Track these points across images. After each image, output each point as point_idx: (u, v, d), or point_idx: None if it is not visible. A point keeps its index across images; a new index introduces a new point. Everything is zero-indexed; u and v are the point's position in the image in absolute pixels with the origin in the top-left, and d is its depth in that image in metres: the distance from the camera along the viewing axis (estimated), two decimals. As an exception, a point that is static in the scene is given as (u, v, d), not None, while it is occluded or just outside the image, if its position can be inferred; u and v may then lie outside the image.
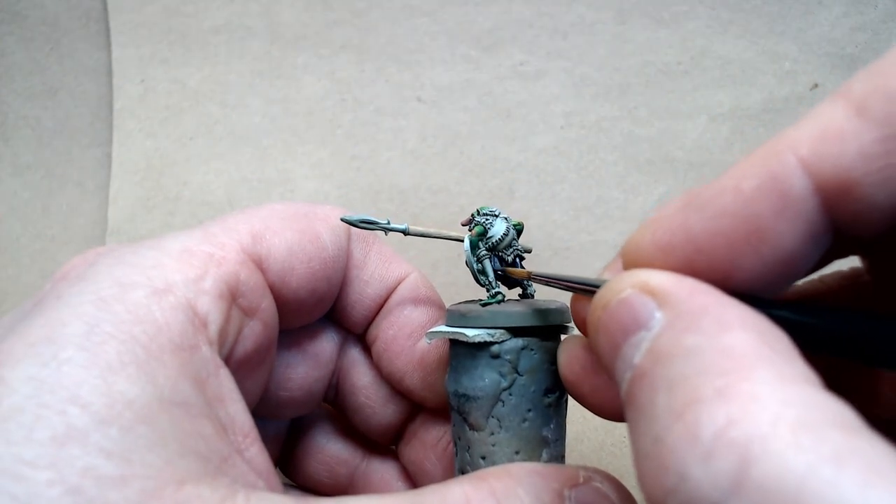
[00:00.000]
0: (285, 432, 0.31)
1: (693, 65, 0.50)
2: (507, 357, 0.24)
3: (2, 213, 0.52)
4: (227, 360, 0.22)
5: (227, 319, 0.21)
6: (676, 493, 0.13)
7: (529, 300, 0.27)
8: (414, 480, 0.30)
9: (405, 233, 0.26)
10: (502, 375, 0.24)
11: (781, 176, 0.16)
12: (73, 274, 0.21)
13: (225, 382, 0.20)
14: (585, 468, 0.22)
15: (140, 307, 0.19)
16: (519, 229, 0.27)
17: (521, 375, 0.24)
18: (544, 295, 0.28)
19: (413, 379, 0.28)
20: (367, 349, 0.30)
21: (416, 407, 0.30)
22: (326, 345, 0.29)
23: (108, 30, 0.49)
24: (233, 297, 0.22)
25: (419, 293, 0.28)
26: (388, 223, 0.26)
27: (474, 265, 0.26)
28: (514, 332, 0.24)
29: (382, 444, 0.31)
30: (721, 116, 0.50)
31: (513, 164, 0.50)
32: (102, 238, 0.50)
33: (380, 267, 0.28)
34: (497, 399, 0.24)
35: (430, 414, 0.29)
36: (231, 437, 0.20)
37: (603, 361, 0.18)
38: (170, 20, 0.48)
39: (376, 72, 0.49)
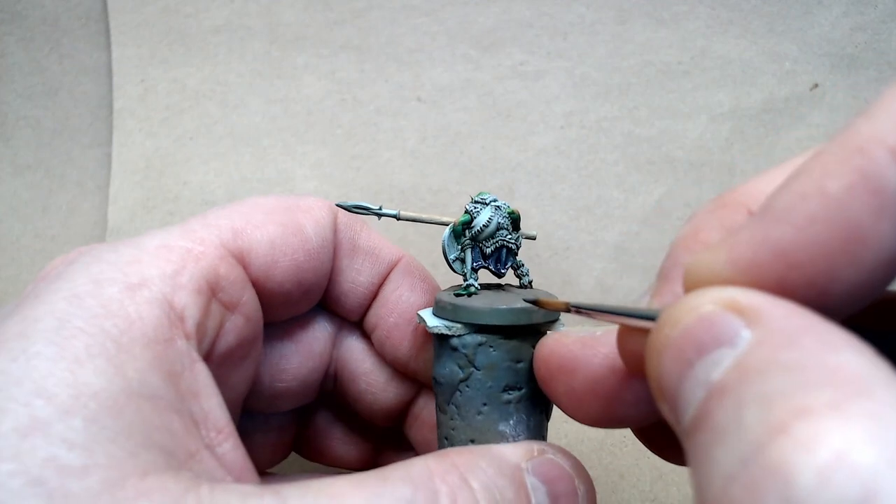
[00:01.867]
0: (293, 422, 0.31)
1: (693, 65, 0.50)
2: (464, 351, 0.24)
3: (2, 213, 0.52)
4: (209, 354, 0.22)
5: (205, 314, 0.21)
6: None
7: (503, 293, 0.26)
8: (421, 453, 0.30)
9: (397, 217, 0.27)
10: (460, 367, 0.24)
11: (873, 172, 0.14)
12: (53, 273, 0.21)
13: (200, 377, 0.20)
14: (539, 443, 0.23)
15: (113, 302, 0.19)
16: (514, 218, 0.27)
17: (478, 370, 0.24)
18: (542, 286, 0.28)
19: (418, 362, 0.28)
20: (363, 335, 0.30)
21: (417, 389, 0.30)
22: (320, 334, 0.29)
23: (108, 30, 0.49)
24: (212, 292, 0.22)
25: (413, 277, 0.29)
26: (381, 208, 0.26)
27: (451, 253, 0.26)
28: (476, 327, 0.24)
29: (387, 426, 0.31)
30: (721, 116, 0.50)
31: (513, 164, 0.50)
32: (102, 238, 0.50)
33: (370, 254, 0.28)
34: (455, 389, 0.25)
35: (432, 394, 0.30)
36: (203, 433, 0.20)
37: (662, 387, 0.16)
38: (170, 20, 0.48)
39: (376, 72, 0.49)
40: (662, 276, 0.21)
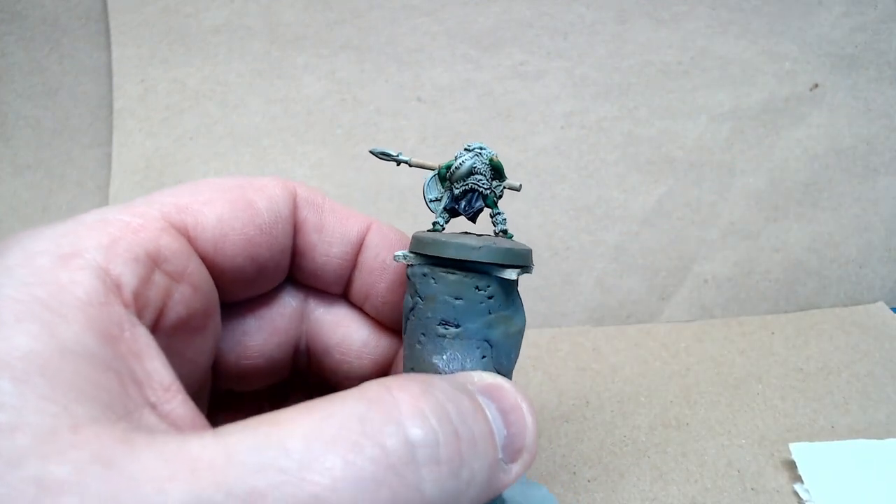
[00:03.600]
0: (266, 402, 0.31)
1: (693, 65, 0.50)
2: (413, 280, 0.25)
3: (2, 213, 0.52)
4: (157, 324, 0.22)
5: (144, 282, 0.21)
6: None
7: (465, 236, 0.26)
8: None
9: (409, 163, 0.29)
10: (410, 296, 0.26)
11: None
12: None
13: (141, 339, 0.20)
14: (479, 372, 0.24)
15: (44, 270, 0.19)
16: (494, 165, 0.27)
17: (421, 300, 0.25)
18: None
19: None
20: (331, 307, 0.30)
21: (393, 351, 0.30)
22: (284, 310, 0.29)
23: (108, 30, 0.49)
24: (154, 263, 0.22)
25: (390, 239, 0.29)
26: (400, 154, 0.29)
27: (430, 194, 0.28)
28: (423, 259, 0.25)
29: None
30: (721, 116, 0.50)
31: (513, 164, 0.50)
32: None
33: (338, 225, 0.28)
34: (406, 317, 0.26)
35: None
36: (148, 392, 0.20)
37: None
38: (170, 20, 0.48)
39: (376, 72, 0.49)
40: None
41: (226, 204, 0.25)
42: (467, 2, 0.48)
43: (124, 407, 0.18)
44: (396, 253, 0.26)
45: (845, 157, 0.51)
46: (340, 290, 0.29)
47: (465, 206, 0.28)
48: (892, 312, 0.50)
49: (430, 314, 0.25)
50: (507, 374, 0.26)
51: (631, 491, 0.34)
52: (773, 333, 0.48)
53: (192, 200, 0.24)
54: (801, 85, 0.50)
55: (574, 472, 0.36)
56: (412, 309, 0.25)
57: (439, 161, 0.29)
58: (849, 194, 0.51)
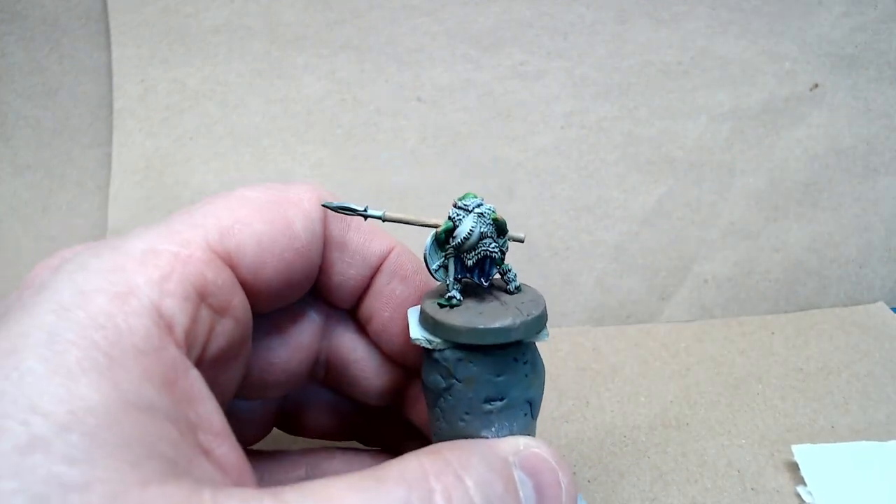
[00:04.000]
0: (276, 402, 0.31)
1: (693, 65, 0.50)
2: (445, 364, 0.24)
3: (2, 213, 0.52)
4: (200, 359, 0.22)
5: (194, 320, 0.21)
6: None
7: (487, 304, 0.25)
8: (423, 431, 0.31)
9: (382, 219, 0.26)
10: (442, 377, 0.25)
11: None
12: (37, 282, 0.21)
13: (195, 383, 0.20)
14: (525, 438, 0.24)
15: (101, 313, 0.19)
16: (499, 225, 0.25)
17: (459, 382, 0.24)
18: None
19: (414, 355, 0.28)
20: (353, 323, 0.30)
21: (410, 372, 0.30)
22: (308, 326, 0.29)
23: (108, 30, 0.49)
24: (200, 298, 0.22)
25: (406, 269, 0.29)
26: (366, 209, 0.26)
27: (433, 262, 0.26)
28: (455, 343, 0.24)
29: (383, 406, 0.31)
30: (721, 116, 0.50)
31: (513, 164, 0.50)
32: (102, 238, 0.50)
33: (361, 246, 0.28)
34: (440, 396, 0.25)
35: None
36: (201, 437, 0.20)
37: None
38: (170, 20, 0.48)
39: (376, 72, 0.49)
40: None
41: (265, 225, 0.25)
42: (467, 2, 0.48)
43: (185, 457, 0.19)
44: (414, 335, 0.25)
45: (845, 157, 0.51)
46: (349, 307, 0.29)
47: (479, 276, 0.26)
48: (892, 312, 0.50)
49: (471, 394, 0.24)
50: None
51: (631, 491, 0.34)
52: (773, 333, 0.48)
53: (234, 221, 0.24)
54: (801, 85, 0.50)
55: (574, 473, 0.36)
56: (447, 389, 0.24)
57: (417, 214, 0.26)
58: (849, 194, 0.51)
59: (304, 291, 0.28)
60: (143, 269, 0.21)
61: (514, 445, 0.23)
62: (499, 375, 0.24)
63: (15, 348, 0.18)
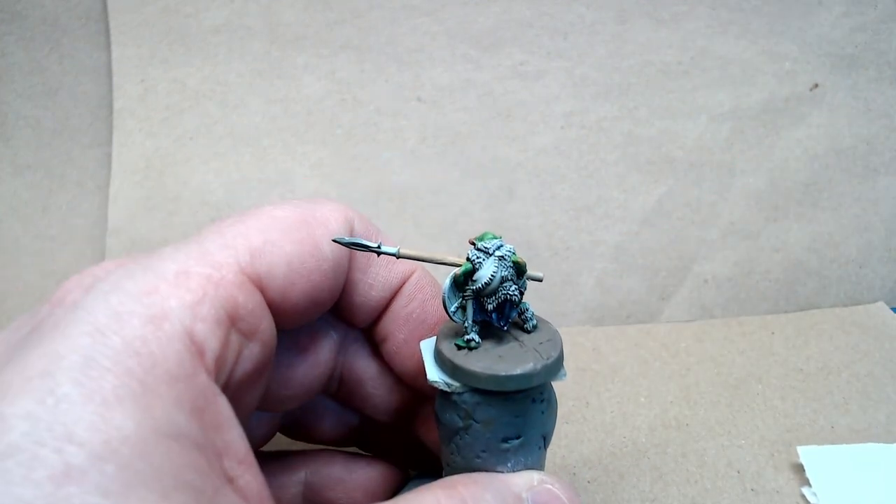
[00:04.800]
0: (281, 415, 0.31)
1: (693, 65, 0.50)
2: (464, 406, 0.24)
3: (2, 213, 0.52)
4: (227, 383, 0.22)
5: (224, 345, 0.21)
6: None
7: (506, 347, 0.25)
8: (433, 451, 0.31)
9: (396, 256, 0.25)
10: (460, 418, 0.25)
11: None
12: (70, 299, 0.21)
13: (223, 410, 0.20)
14: (539, 473, 0.25)
15: (136, 338, 0.19)
16: (519, 268, 0.25)
17: (477, 423, 0.24)
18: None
19: (425, 380, 0.28)
20: (370, 341, 0.30)
21: (422, 392, 0.30)
22: (326, 342, 0.29)
23: (108, 30, 0.49)
24: (231, 322, 0.22)
25: (426, 293, 0.29)
26: (380, 246, 0.25)
27: (451, 304, 0.25)
28: (474, 388, 0.24)
29: (393, 424, 0.31)
30: (721, 116, 0.50)
31: (513, 164, 0.50)
32: (102, 238, 0.50)
33: (383, 269, 0.28)
34: (455, 433, 0.25)
35: None
36: (227, 464, 0.20)
37: None
38: (170, 20, 0.48)
39: (376, 72, 0.49)
40: None
41: (294, 246, 0.24)
42: (467, 2, 0.48)
43: (213, 486, 0.19)
44: (431, 377, 0.24)
45: (845, 157, 0.51)
46: (364, 326, 0.29)
47: (499, 320, 0.25)
48: (892, 312, 0.50)
49: (489, 435, 0.24)
50: None
51: (631, 492, 0.34)
52: (773, 333, 0.48)
53: (264, 242, 0.24)
54: (801, 85, 0.50)
55: (574, 474, 0.36)
56: (465, 429, 0.24)
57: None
58: (849, 194, 0.51)
59: (325, 310, 0.28)
60: (176, 291, 0.21)
61: (528, 481, 0.24)
62: (517, 416, 0.24)
63: (50, 370, 0.18)
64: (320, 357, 0.29)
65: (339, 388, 0.30)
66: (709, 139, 0.50)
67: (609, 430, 0.39)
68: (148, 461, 0.17)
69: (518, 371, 0.23)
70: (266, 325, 0.24)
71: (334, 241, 0.26)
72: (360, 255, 0.27)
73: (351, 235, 0.26)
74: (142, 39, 0.49)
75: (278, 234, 0.24)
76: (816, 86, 0.50)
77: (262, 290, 0.24)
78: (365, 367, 0.30)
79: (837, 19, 0.49)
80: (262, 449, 0.32)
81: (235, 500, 0.19)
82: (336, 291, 0.27)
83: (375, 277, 0.28)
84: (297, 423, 0.32)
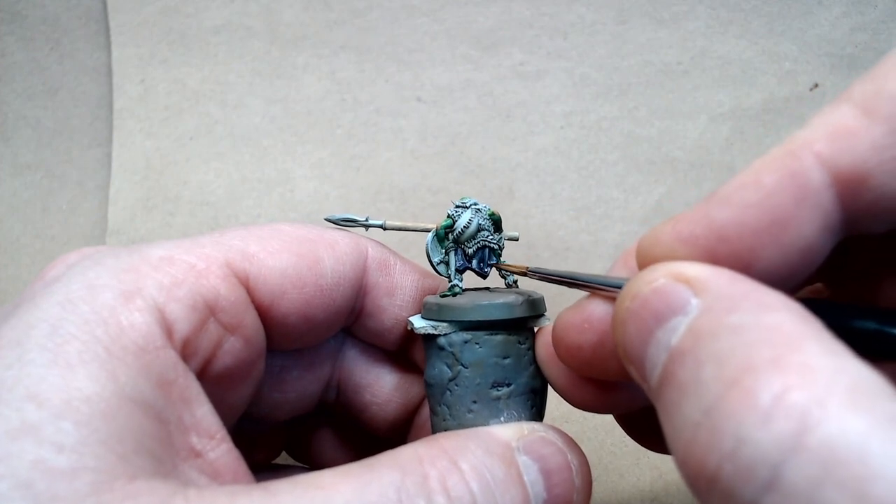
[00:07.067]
0: (285, 425, 0.31)
1: (693, 65, 0.50)
2: (451, 349, 0.25)
3: (2, 213, 0.52)
4: (203, 371, 0.22)
5: (197, 330, 0.21)
6: (735, 457, 0.14)
7: (487, 293, 0.27)
8: None
9: (383, 227, 0.27)
10: (448, 366, 0.25)
11: (800, 170, 0.17)
12: (51, 275, 0.21)
13: (191, 386, 0.21)
14: (530, 423, 0.24)
15: (105, 308, 0.19)
16: (495, 219, 0.27)
17: (466, 368, 0.25)
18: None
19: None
20: (367, 348, 0.30)
21: (420, 398, 0.30)
22: (324, 350, 0.29)
23: (108, 30, 0.49)
24: (210, 311, 0.22)
25: None
26: (367, 220, 0.27)
27: (434, 257, 0.27)
28: (461, 325, 0.25)
29: (390, 437, 0.31)
30: (721, 116, 0.50)
31: (513, 164, 0.50)
32: (102, 238, 0.50)
33: (410, 291, 0.28)
34: (445, 388, 0.25)
35: None
36: (194, 439, 0.20)
37: (629, 352, 0.18)
38: (170, 20, 0.48)
39: (376, 72, 0.49)
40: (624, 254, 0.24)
41: (292, 258, 0.25)
42: (467, 2, 0.48)
43: (176, 455, 0.19)
44: (418, 325, 0.25)
45: (845, 157, 0.51)
46: (396, 348, 0.29)
47: (479, 265, 0.28)
48: (891, 312, 0.50)
49: (479, 380, 0.25)
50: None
51: (631, 491, 0.34)
52: (773, 333, 0.48)
53: (260, 249, 0.24)
54: (801, 85, 0.50)
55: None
56: (454, 379, 0.25)
57: (417, 220, 0.28)
58: (849, 194, 0.51)
59: (326, 336, 0.27)
60: (155, 273, 0.21)
61: (517, 430, 0.23)
62: (505, 357, 0.25)
63: (19, 339, 0.18)
64: (316, 364, 0.29)
65: (337, 397, 0.30)
66: (709, 139, 0.50)
67: (609, 429, 0.39)
68: (108, 422, 0.17)
69: (501, 300, 0.25)
70: (250, 322, 0.24)
71: (326, 219, 0.26)
72: (382, 282, 0.27)
73: (364, 264, 0.27)
74: (142, 39, 0.49)
75: (278, 243, 0.25)
76: (816, 86, 0.50)
77: (250, 290, 0.24)
78: (363, 375, 0.30)
79: (837, 19, 0.49)
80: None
81: (198, 471, 0.19)
82: (334, 314, 0.26)
83: (404, 298, 0.28)
84: (302, 443, 0.32)
